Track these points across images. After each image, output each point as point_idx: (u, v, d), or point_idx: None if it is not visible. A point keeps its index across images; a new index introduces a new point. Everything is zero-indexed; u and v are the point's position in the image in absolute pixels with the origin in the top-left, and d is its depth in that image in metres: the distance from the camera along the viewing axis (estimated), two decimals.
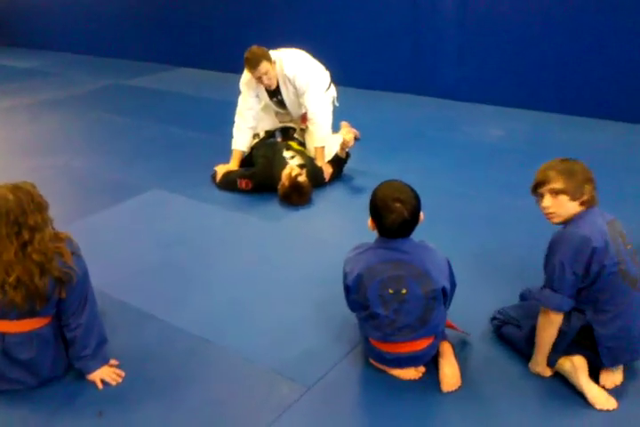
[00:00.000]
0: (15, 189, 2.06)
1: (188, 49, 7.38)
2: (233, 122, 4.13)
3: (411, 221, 2.07)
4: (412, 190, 2.11)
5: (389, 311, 2.09)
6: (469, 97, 5.55)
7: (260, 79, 3.86)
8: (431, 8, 5.48)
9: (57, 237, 2.14)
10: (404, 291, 2.08)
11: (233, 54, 6.60)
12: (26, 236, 2.04)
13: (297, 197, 3.67)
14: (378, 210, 2.07)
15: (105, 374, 2.23)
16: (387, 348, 2.16)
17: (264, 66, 3.78)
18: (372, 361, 2.26)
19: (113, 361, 2.30)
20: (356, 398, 2.17)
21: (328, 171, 3.94)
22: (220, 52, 7.06)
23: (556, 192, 2.04)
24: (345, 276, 2.18)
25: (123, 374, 2.26)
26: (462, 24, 5.37)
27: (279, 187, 3.71)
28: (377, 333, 2.15)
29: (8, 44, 9.38)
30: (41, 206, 2.10)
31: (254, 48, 3.84)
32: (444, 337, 2.25)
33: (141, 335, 2.51)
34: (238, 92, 4.11)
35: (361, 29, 5.96)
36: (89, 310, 2.20)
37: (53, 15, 8.59)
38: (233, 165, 4.08)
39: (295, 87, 3.95)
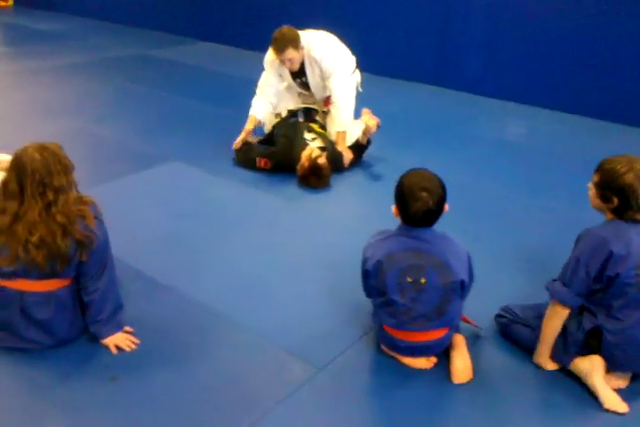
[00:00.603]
0: (42, 149, 2.07)
1: (212, 23, 7.33)
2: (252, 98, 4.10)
3: (435, 211, 2.07)
4: (440, 180, 2.11)
5: (406, 299, 2.10)
6: (493, 92, 5.52)
7: (282, 62, 3.85)
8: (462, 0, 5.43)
9: (81, 200, 2.15)
10: (422, 280, 2.09)
11: (257, 32, 6.61)
12: (50, 196, 2.05)
13: (315, 179, 3.66)
14: (403, 197, 2.08)
15: (119, 340, 2.26)
16: (400, 335, 2.17)
17: (289, 53, 3.75)
18: (383, 348, 2.28)
19: (127, 328, 2.32)
20: (366, 383, 2.19)
21: (348, 156, 3.93)
22: (244, 28, 7.01)
23: (593, 182, 2.10)
24: (364, 261, 2.19)
25: (137, 341, 2.28)
26: (492, 19, 5.32)
27: (298, 167, 3.71)
28: (392, 320, 2.16)
29: (34, 5, 9.32)
30: (67, 168, 2.11)
31: (285, 29, 3.78)
32: (457, 330, 2.27)
33: (155, 305, 2.53)
34: (260, 70, 4.09)
35: (389, 17, 5.90)
36: (107, 274, 2.22)
37: None
38: (248, 126, 4.01)
39: (321, 70, 3.94)
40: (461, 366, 2.17)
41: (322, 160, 3.67)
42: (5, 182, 2.09)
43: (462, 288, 2.15)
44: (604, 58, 4.87)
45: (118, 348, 2.24)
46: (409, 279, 2.09)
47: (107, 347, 2.24)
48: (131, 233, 3.02)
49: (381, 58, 5.98)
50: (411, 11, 5.74)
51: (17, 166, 2.04)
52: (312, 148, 3.79)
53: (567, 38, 5.01)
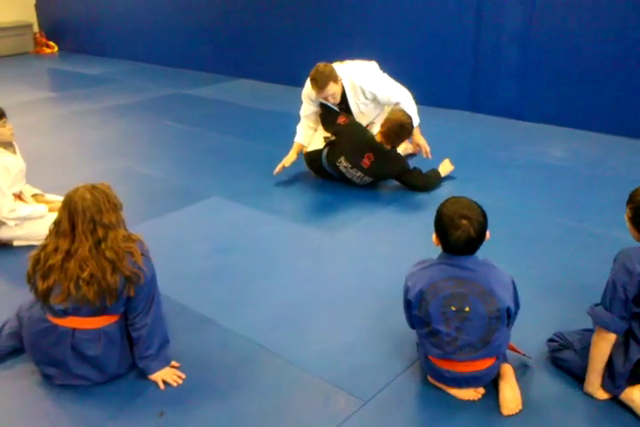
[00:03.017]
0: (93, 189, 2.17)
1: (248, 61, 7.52)
2: (293, 134, 4.34)
3: (477, 239, 2.06)
4: (480, 208, 2.10)
5: (451, 329, 2.08)
6: (530, 116, 5.49)
7: (326, 99, 3.96)
8: (495, 25, 5.45)
9: (129, 237, 2.22)
10: (467, 309, 2.07)
11: (293, 67, 6.76)
12: (100, 233, 2.12)
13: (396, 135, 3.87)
14: (444, 226, 2.07)
15: (166, 375, 2.29)
16: (446, 366, 2.15)
17: (331, 88, 3.91)
18: (430, 379, 2.25)
19: (174, 363, 2.35)
20: (413, 415, 2.16)
21: (426, 147, 4.32)
22: (280, 64, 7.17)
23: (627, 215, 2.10)
24: (407, 291, 2.18)
25: (183, 376, 2.31)
26: (526, 42, 5.32)
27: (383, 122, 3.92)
28: (437, 350, 2.14)
29: (77, 51, 9.73)
30: (115, 207, 2.20)
31: (321, 67, 3.92)
32: (505, 359, 2.23)
33: (200, 339, 2.56)
34: (297, 105, 4.23)
35: (422, 45, 5.96)
36: (154, 310, 2.26)
37: (120, 25, 8.87)
38: (290, 155, 4.23)
39: (375, 99, 4.14)
40: (510, 396, 2.12)
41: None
42: (58, 222, 2.18)
43: (508, 316, 2.12)
44: None
45: (165, 383, 2.28)
46: (453, 308, 2.08)
47: (154, 382, 2.28)
48: (175, 268, 3.09)
49: (416, 85, 5.99)
50: (443, 37, 5.79)
51: (68, 205, 2.14)
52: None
53: (602, 59, 4.97)
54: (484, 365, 2.13)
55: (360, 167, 3.97)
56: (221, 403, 2.20)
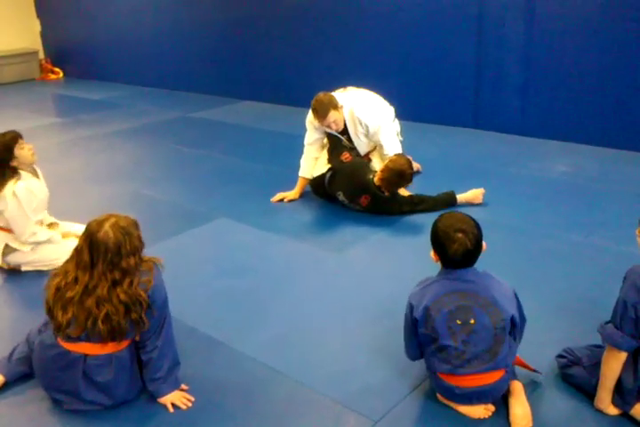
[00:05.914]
0: (117, 227, 2.13)
1: (252, 83, 7.60)
2: (296, 154, 4.38)
3: (474, 251, 2.09)
4: (473, 220, 2.14)
5: (458, 343, 2.09)
6: (533, 132, 5.52)
7: (329, 127, 4.01)
8: (496, 43, 5.51)
9: (147, 262, 2.22)
10: (472, 321, 2.08)
11: (297, 89, 6.83)
12: (117, 276, 2.13)
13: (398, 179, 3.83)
14: (440, 240, 2.10)
15: (176, 398, 2.29)
16: (455, 382, 2.14)
17: (332, 115, 3.97)
18: (439, 397, 2.24)
19: (183, 386, 2.35)
20: None
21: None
22: (283, 86, 7.24)
23: (638, 231, 2.08)
24: (411, 309, 2.18)
25: (192, 398, 2.31)
26: (528, 58, 5.37)
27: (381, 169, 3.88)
28: (446, 365, 2.13)
29: (82, 76, 9.86)
30: (137, 249, 2.18)
31: (321, 96, 4.00)
32: (514, 376, 2.22)
33: (209, 361, 2.56)
34: (300, 126, 4.27)
35: (424, 64, 6.02)
36: (165, 332, 2.27)
37: (124, 50, 9.00)
38: (295, 191, 4.31)
39: (367, 130, 4.14)
40: (521, 413, 2.11)
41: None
42: (78, 251, 2.16)
43: (514, 326, 2.13)
44: None
45: (174, 405, 2.27)
46: (458, 322, 2.09)
47: (164, 405, 2.28)
48: (184, 290, 3.09)
49: (419, 104, 6.08)
50: (445, 56, 5.85)
51: (91, 240, 2.12)
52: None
53: (605, 74, 5.01)
54: (492, 378, 2.12)
55: (358, 204, 4.02)
56: (232, 425, 2.19)
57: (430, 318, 2.11)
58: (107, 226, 2.13)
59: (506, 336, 2.09)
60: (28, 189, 3.23)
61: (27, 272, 3.37)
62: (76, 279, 2.15)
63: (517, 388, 2.19)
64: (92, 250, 2.12)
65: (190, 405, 2.29)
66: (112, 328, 2.13)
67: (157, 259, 2.28)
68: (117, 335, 2.16)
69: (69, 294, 2.14)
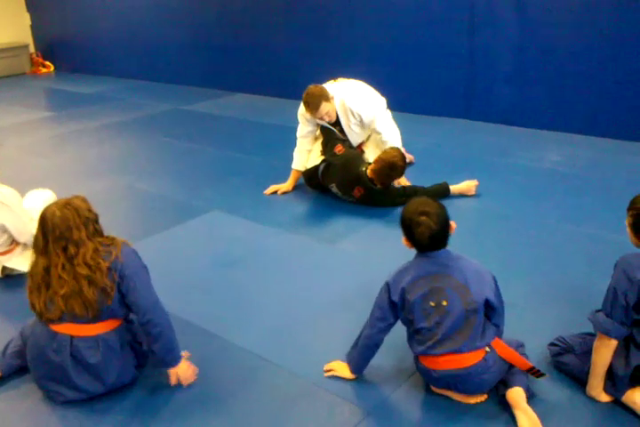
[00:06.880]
0: (65, 205, 2.19)
1: (244, 75, 7.57)
2: (289, 146, 4.36)
3: (440, 231, 2.11)
4: (436, 202, 2.17)
5: (432, 324, 2.11)
6: (526, 122, 5.53)
7: (321, 119, 4.02)
8: (489, 33, 5.50)
9: (111, 241, 2.24)
10: (444, 302, 2.10)
11: (289, 80, 6.81)
12: (72, 250, 2.16)
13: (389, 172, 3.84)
14: (406, 226, 2.14)
15: (184, 370, 2.31)
16: (430, 364, 2.15)
17: (324, 107, 3.98)
18: (433, 387, 2.26)
19: (185, 353, 2.40)
20: (417, 424, 2.16)
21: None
22: (277, 78, 7.22)
23: (627, 222, 2.09)
24: (388, 291, 2.17)
25: (197, 369, 2.36)
26: (520, 49, 5.37)
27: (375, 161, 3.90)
28: (421, 347, 2.16)
29: (73, 70, 9.80)
30: (87, 220, 2.21)
31: (312, 89, 4.01)
32: (512, 384, 2.15)
33: (202, 353, 2.56)
34: (293, 117, 4.27)
35: (415, 54, 6.01)
36: (164, 311, 2.27)
37: (115, 43, 8.95)
38: (288, 184, 4.32)
39: (361, 120, 4.14)
40: (527, 423, 2.04)
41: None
42: (35, 238, 2.23)
43: (490, 308, 2.13)
44: (637, 81, 4.85)
45: (175, 386, 2.30)
46: (432, 304, 2.11)
47: (159, 397, 2.29)
48: (177, 282, 3.11)
49: (410, 95, 6.07)
50: (437, 46, 5.84)
51: (41, 223, 2.18)
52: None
53: (596, 64, 5.02)
54: (466, 361, 2.10)
55: (351, 196, 4.03)
56: (227, 416, 2.21)
57: (407, 301, 2.13)
58: (53, 206, 2.19)
59: (478, 319, 2.10)
60: (6, 190, 3.19)
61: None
62: (36, 265, 2.20)
63: (516, 397, 2.12)
64: (43, 232, 2.17)
65: (194, 379, 2.34)
66: (82, 302, 2.16)
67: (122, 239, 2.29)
68: (90, 309, 2.17)
69: (36, 278, 2.19)
